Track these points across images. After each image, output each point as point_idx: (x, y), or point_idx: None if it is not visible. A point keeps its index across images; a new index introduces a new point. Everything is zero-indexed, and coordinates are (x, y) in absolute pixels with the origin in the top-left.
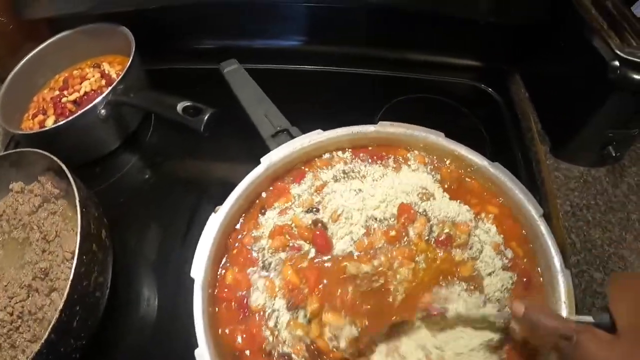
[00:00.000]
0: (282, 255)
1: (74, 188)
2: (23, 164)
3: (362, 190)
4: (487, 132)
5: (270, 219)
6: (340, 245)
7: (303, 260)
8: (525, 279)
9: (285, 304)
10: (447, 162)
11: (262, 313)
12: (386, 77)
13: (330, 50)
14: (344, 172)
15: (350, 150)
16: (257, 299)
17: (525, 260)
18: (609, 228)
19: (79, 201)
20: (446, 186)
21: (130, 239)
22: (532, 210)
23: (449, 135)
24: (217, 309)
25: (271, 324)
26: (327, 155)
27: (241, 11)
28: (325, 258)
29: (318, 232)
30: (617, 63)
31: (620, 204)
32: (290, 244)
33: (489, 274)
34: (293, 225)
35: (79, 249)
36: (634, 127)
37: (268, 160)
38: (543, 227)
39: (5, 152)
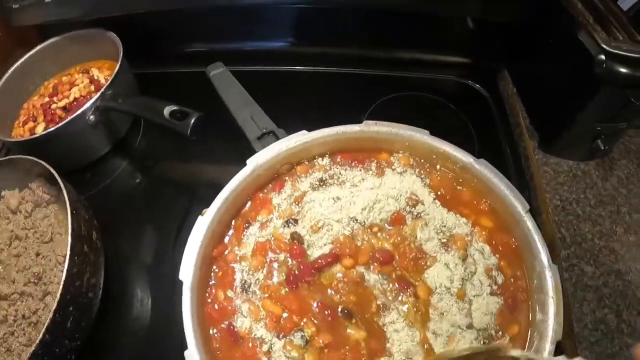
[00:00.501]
0: (260, 275)
1: (64, 192)
2: (14, 171)
3: (340, 198)
4: (476, 128)
5: (252, 236)
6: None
7: (280, 278)
8: (510, 300)
9: (274, 334)
10: (437, 166)
11: (252, 337)
12: (373, 76)
13: (318, 51)
14: (321, 180)
15: (328, 156)
16: (243, 323)
17: (512, 280)
18: (599, 221)
19: (69, 204)
20: (439, 193)
21: (123, 242)
22: (519, 206)
23: (437, 132)
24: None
25: (265, 348)
26: (306, 163)
27: (228, 14)
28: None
29: (295, 247)
30: (603, 57)
31: (610, 197)
32: (269, 259)
33: (475, 296)
34: (273, 239)
35: (71, 250)
36: (621, 121)
37: (254, 162)
38: (529, 223)
39: None
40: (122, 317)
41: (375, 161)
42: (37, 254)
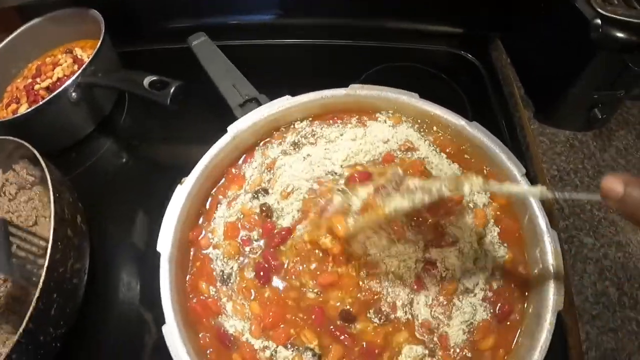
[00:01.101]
0: (235, 265)
1: (46, 174)
2: None
3: (312, 155)
4: (469, 99)
5: (220, 218)
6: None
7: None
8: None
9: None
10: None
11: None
12: (363, 47)
13: (306, 23)
14: (294, 143)
15: (308, 119)
16: (234, 325)
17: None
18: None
19: (52, 187)
20: (447, 151)
21: (108, 222)
22: (514, 169)
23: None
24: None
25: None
26: (283, 129)
27: None
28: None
29: (268, 223)
30: (599, 21)
31: (609, 168)
32: (241, 240)
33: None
34: (242, 216)
35: (54, 235)
36: (619, 89)
37: (235, 129)
38: (526, 187)
39: None
40: (108, 301)
41: (357, 117)
42: (23, 239)
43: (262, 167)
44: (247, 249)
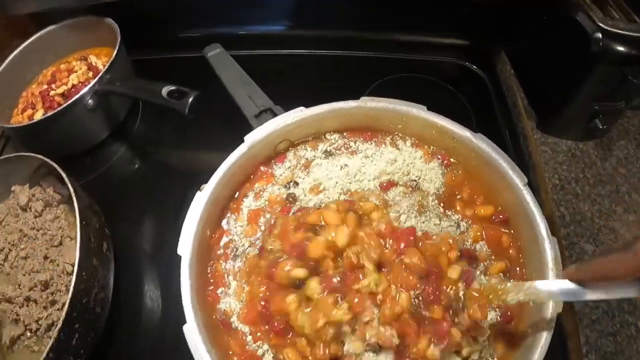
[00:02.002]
0: (247, 242)
1: (73, 198)
2: (24, 167)
3: (348, 165)
4: (474, 109)
5: (246, 208)
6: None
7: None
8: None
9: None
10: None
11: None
12: (371, 58)
13: (315, 34)
14: (326, 151)
15: (337, 132)
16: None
17: None
18: (599, 201)
19: (79, 213)
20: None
21: (122, 227)
22: (517, 179)
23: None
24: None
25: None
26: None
27: None
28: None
29: (288, 207)
30: (599, 35)
31: (609, 177)
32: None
33: None
34: (267, 203)
35: (79, 265)
36: (619, 100)
37: (251, 139)
38: (528, 196)
39: (5, 156)
40: (130, 321)
41: (390, 137)
42: (46, 257)
43: (296, 167)
44: (262, 228)
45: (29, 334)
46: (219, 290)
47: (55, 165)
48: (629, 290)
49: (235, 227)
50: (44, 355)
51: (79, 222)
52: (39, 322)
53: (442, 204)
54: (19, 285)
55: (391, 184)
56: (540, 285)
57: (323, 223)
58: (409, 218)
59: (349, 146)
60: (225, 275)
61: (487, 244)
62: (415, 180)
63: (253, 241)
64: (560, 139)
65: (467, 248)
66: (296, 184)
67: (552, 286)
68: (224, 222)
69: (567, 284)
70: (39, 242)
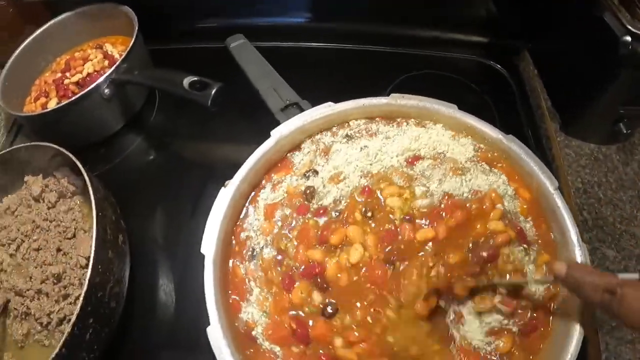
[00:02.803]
0: (263, 241)
1: (90, 190)
2: (38, 157)
3: (368, 146)
4: (497, 108)
5: (262, 200)
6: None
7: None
8: None
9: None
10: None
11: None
12: (394, 54)
13: (337, 28)
14: (346, 135)
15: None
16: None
17: None
18: (620, 206)
19: (95, 204)
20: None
21: (136, 219)
22: (547, 182)
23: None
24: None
25: None
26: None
27: None
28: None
29: (304, 204)
30: (628, 38)
31: (631, 182)
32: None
33: None
34: (285, 196)
35: (94, 257)
36: None
37: (278, 134)
38: (559, 200)
39: (20, 145)
40: (143, 305)
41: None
42: (58, 250)
43: (315, 153)
44: (279, 224)
45: (39, 327)
46: (239, 297)
47: (71, 155)
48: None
49: (252, 223)
50: (57, 350)
51: (95, 213)
52: (51, 316)
53: (483, 162)
54: (31, 277)
55: (417, 158)
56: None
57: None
58: (442, 183)
59: (369, 129)
60: (246, 280)
61: (533, 224)
62: (442, 153)
63: (269, 241)
64: (584, 141)
65: (521, 228)
66: (315, 172)
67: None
68: (241, 216)
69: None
70: (52, 234)
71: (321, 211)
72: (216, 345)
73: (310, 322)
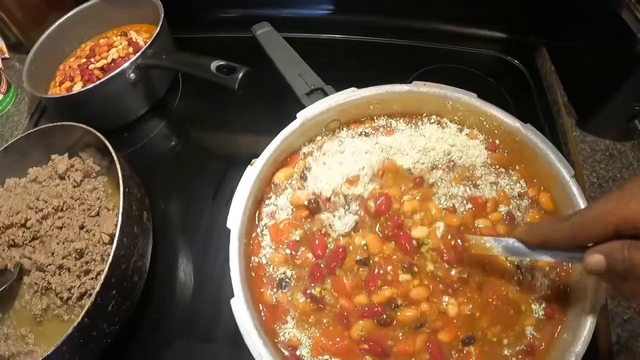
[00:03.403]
0: (288, 272)
1: (117, 167)
2: (65, 137)
3: (380, 143)
4: (514, 102)
5: (265, 217)
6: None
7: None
8: None
9: None
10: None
11: None
12: (414, 47)
13: (357, 20)
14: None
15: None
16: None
17: None
18: None
19: (122, 181)
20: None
21: (157, 204)
22: (564, 171)
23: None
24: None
25: None
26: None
27: None
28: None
29: (317, 242)
30: None
31: None
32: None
33: None
34: (292, 212)
35: (120, 231)
36: None
37: (303, 116)
38: (575, 188)
39: (48, 125)
40: (163, 288)
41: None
42: (82, 227)
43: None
44: (297, 259)
45: (59, 302)
46: (277, 325)
47: (98, 134)
48: (566, 256)
49: (264, 248)
50: (79, 319)
51: (122, 189)
52: (72, 291)
53: (496, 166)
54: (53, 253)
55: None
56: (492, 240)
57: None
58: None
59: (389, 125)
60: (281, 310)
61: None
62: (453, 161)
63: (293, 279)
64: (599, 137)
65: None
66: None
67: (501, 242)
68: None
69: (515, 242)
70: (76, 212)
71: (340, 251)
72: (240, 316)
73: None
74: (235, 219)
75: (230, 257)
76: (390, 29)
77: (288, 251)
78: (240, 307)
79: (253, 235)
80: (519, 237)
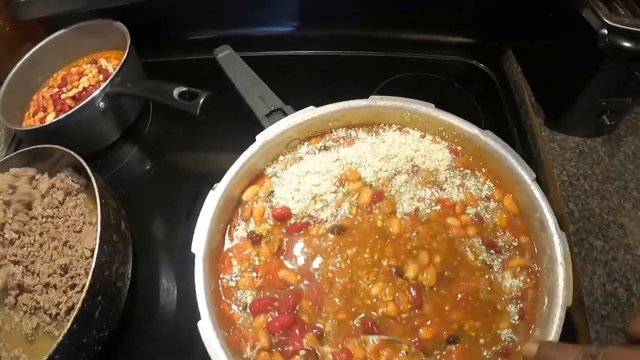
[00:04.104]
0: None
1: (92, 181)
2: (43, 160)
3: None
4: (482, 107)
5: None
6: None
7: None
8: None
9: None
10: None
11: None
12: (379, 58)
13: (323, 35)
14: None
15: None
16: None
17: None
18: (607, 197)
19: (98, 193)
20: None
21: (134, 228)
22: (525, 175)
23: (445, 110)
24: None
25: None
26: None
27: (233, 0)
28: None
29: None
30: (605, 31)
31: (618, 173)
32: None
33: None
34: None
35: (100, 239)
36: (627, 96)
37: (262, 138)
38: (536, 191)
39: (24, 149)
40: (146, 307)
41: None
42: (65, 244)
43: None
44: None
45: (48, 319)
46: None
47: (73, 153)
48: None
49: (235, 266)
50: (68, 325)
51: (98, 199)
52: (59, 307)
53: (461, 168)
54: (38, 273)
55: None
56: None
57: None
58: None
59: (349, 136)
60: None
61: (510, 231)
62: (417, 166)
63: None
64: (568, 135)
65: (490, 238)
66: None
67: None
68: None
69: None
70: (61, 229)
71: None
72: (207, 338)
73: None
74: (199, 243)
75: (196, 282)
76: (354, 40)
77: (254, 274)
78: (207, 330)
79: (224, 255)
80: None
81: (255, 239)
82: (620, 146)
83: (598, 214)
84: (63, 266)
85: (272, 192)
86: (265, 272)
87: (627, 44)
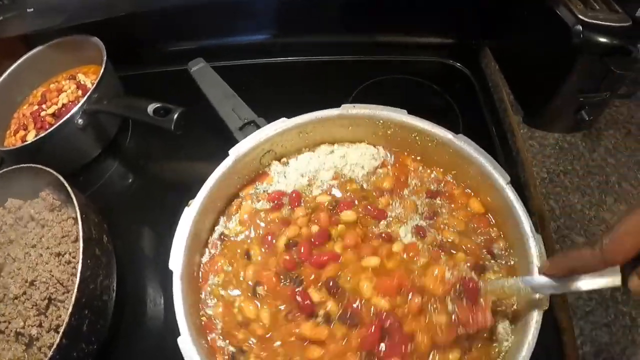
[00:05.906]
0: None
1: (72, 197)
2: (23, 180)
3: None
4: (460, 107)
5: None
6: None
7: None
8: None
9: None
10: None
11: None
12: (355, 62)
13: (298, 41)
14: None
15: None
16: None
17: None
18: (588, 192)
19: (78, 208)
20: None
21: (117, 242)
22: (499, 178)
23: (422, 113)
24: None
25: None
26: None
27: (208, 11)
28: None
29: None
30: (580, 27)
31: (599, 168)
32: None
33: None
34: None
35: (83, 253)
36: (604, 90)
37: (236, 152)
38: (511, 194)
39: (6, 169)
40: (134, 315)
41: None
42: (48, 262)
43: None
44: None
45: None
46: None
47: (52, 171)
48: (603, 282)
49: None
50: (58, 340)
51: (79, 215)
52: (42, 325)
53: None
54: (24, 292)
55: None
56: (524, 280)
57: None
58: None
59: None
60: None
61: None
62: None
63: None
64: (548, 132)
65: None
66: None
67: (526, 280)
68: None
69: (541, 278)
70: (44, 246)
71: None
72: (187, 355)
73: None
74: (176, 260)
75: (175, 298)
76: (330, 46)
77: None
78: (186, 346)
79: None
80: (545, 272)
81: None
82: (601, 140)
83: (579, 210)
84: (44, 282)
85: None
86: None
87: (601, 39)
